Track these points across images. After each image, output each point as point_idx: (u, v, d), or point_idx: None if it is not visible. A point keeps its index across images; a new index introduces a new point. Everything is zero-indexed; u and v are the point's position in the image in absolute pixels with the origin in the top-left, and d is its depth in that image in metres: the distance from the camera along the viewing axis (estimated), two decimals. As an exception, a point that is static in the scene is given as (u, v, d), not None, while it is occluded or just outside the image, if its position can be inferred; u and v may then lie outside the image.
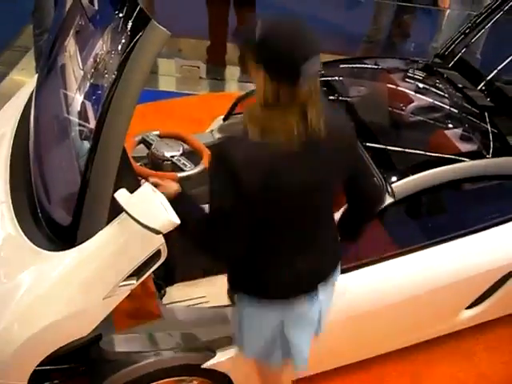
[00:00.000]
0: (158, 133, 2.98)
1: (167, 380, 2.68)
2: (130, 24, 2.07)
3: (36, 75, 3.07)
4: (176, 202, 2.14)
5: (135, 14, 2.05)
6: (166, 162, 2.84)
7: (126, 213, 2.02)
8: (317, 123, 1.98)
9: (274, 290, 2.27)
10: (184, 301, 3.10)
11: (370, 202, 2.47)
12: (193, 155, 2.99)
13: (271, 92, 1.92)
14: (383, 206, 2.72)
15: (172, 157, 2.84)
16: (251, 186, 1.98)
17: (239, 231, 2.08)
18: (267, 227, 2.14)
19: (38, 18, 4.98)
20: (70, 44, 2.70)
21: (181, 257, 3.00)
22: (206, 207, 2.17)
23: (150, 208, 2.02)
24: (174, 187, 2.19)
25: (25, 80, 5.20)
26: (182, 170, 2.83)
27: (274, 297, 2.27)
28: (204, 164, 2.83)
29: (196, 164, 2.89)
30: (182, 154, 2.87)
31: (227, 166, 1.97)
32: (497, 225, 3.14)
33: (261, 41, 1.88)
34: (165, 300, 3.01)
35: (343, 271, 2.77)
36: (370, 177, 2.57)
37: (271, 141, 1.96)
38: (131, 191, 2.09)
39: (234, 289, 2.38)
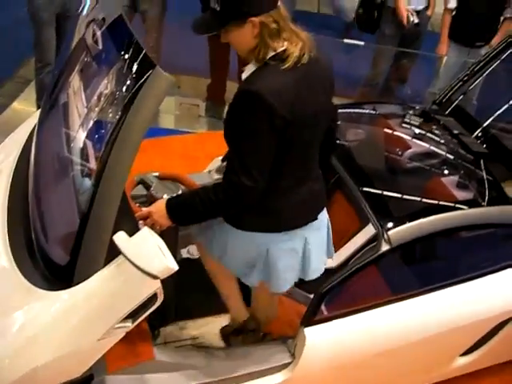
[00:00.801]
0: (157, 174, 2.98)
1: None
2: (134, 67, 2.09)
3: (38, 110, 3.09)
4: (171, 206, 2.36)
5: (140, 58, 2.08)
6: None
7: (124, 256, 2.02)
8: (310, 42, 2.26)
9: (280, 219, 2.45)
10: (177, 341, 3.08)
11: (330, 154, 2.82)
12: None
13: (271, 22, 2.17)
14: (380, 253, 2.74)
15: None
16: (284, 114, 2.17)
17: (268, 164, 2.25)
18: (283, 155, 2.29)
19: (39, 52, 5.03)
20: (75, 81, 2.72)
21: (175, 297, 2.99)
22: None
23: (148, 253, 2.03)
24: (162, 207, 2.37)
25: (26, 109, 5.28)
26: None
27: (276, 228, 2.45)
28: None
29: None
30: None
31: (262, 104, 2.13)
32: (491, 273, 3.15)
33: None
34: (158, 340, 3.00)
35: (338, 316, 2.79)
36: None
37: (289, 64, 2.18)
38: (130, 234, 2.10)
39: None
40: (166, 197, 2.77)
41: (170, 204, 2.38)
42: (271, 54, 2.21)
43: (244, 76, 2.32)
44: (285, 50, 2.20)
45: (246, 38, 2.21)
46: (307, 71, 2.25)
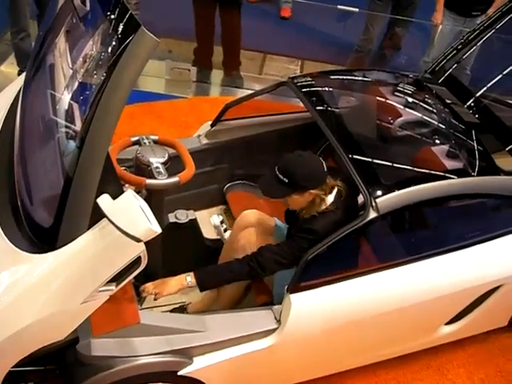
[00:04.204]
0: (156, 138, 2.95)
1: (143, 386, 2.66)
2: (120, 27, 2.05)
3: (21, 74, 3.05)
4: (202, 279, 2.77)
5: (126, 19, 2.04)
6: (147, 167, 2.81)
7: (108, 219, 2.01)
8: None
9: None
10: (164, 306, 3.08)
11: None
12: (178, 163, 2.96)
13: (322, 194, 2.83)
14: (367, 220, 2.74)
15: (152, 163, 2.81)
16: None
17: None
18: None
19: (13, 18, 5.01)
20: (61, 42, 2.68)
21: (162, 262, 2.99)
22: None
23: (132, 215, 2.02)
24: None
25: (14, 72, 5.25)
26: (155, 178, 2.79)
27: None
28: (180, 178, 2.81)
29: (174, 173, 2.85)
30: (164, 163, 2.83)
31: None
32: (477, 243, 3.16)
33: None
34: (144, 305, 3.00)
35: (326, 283, 2.80)
36: None
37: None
38: (114, 196, 2.08)
39: None
40: (151, 160, 2.75)
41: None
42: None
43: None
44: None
45: (302, 201, 2.85)
46: None
